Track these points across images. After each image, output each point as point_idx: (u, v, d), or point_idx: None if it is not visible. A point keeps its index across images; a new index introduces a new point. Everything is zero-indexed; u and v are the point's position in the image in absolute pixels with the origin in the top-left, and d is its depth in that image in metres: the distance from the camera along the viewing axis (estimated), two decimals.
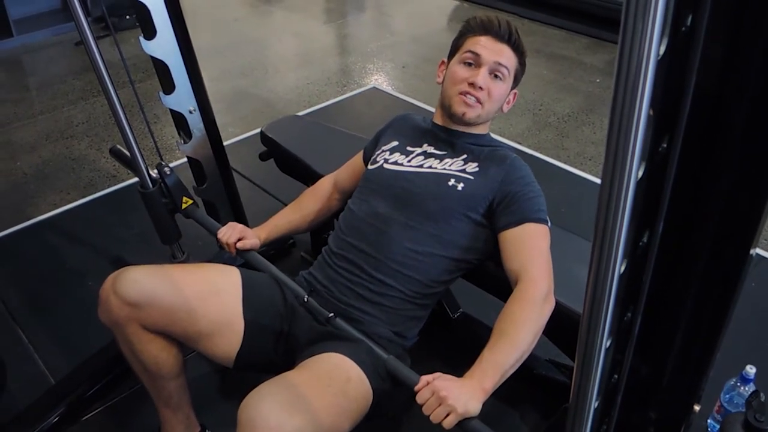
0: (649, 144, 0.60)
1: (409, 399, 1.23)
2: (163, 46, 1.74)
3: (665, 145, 0.62)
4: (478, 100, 1.46)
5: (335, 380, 1.24)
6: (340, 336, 1.39)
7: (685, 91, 0.58)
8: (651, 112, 0.53)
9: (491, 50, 1.45)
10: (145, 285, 1.33)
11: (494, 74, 1.46)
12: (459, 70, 1.48)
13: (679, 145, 0.61)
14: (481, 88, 1.45)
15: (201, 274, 1.45)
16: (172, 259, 2.00)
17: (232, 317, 1.41)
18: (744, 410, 1.27)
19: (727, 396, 1.53)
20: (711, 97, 0.59)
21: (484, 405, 1.17)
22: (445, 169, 1.48)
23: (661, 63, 0.52)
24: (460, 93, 1.47)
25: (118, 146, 2.09)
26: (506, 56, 1.46)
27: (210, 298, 1.40)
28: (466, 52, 1.47)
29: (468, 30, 1.51)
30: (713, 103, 0.59)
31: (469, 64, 1.47)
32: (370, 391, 1.29)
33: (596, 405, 0.79)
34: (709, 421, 1.60)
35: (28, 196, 2.81)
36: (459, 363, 1.23)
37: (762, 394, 1.32)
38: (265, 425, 1.06)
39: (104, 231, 2.53)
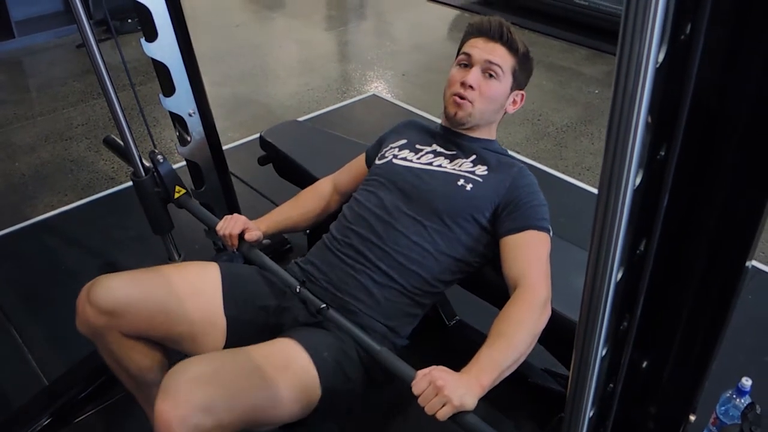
0: (647, 152, 0.60)
1: (393, 394, 1.19)
2: (164, 48, 1.74)
3: (663, 153, 0.62)
4: (468, 99, 1.47)
5: (270, 364, 1.22)
6: (325, 327, 1.37)
7: (684, 100, 0.58)
8: (649, 120, 0.53)
9: (482, 49, 1.46)
10: (119, 292, 1.32)
11: (488, 73, 1.47)
12: (454, 73, 1.50)
13: (677, 154, 0.61)
14: (471, 87, 1.46)
15: (178, 276, 1.42)
16: (169, 261, 1.99)
17: (213, 316, 1.40)
18: (740, 422, 1.27)
19: (723, 408, 1.53)
20: (709, 105, 0.59)
21: (478, 411, 1.16)
22: (455, 169, 1.49)
23: (659, 71, 0.52)
24: (453, 94, 1.49)
25: (112, 136, 2.08)
26: (498, 54, 1.46)
27: (189, 299, 1.38)
28: (461, 54, 1.50)
29: (465, 35, 1.53)
30: (711, 111, 0.59)
31: (464, 66, 1.49)
32: (318, 387, 1.26)
33: (591, 414, 0.79)
34: None
35: (26, 196, 2.81)
36: (454, 370, 1.22)
37: (758, 407, 1.32)
38: (176, 393, 1.08)
39: (101, 233, 2.53)
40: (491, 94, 1.48)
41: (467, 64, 1.48)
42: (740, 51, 0.55)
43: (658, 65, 0.52)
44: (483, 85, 1.47)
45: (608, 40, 4.10)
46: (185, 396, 1.08)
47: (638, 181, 0.60)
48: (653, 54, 0.50)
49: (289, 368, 1.24)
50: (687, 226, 0.67)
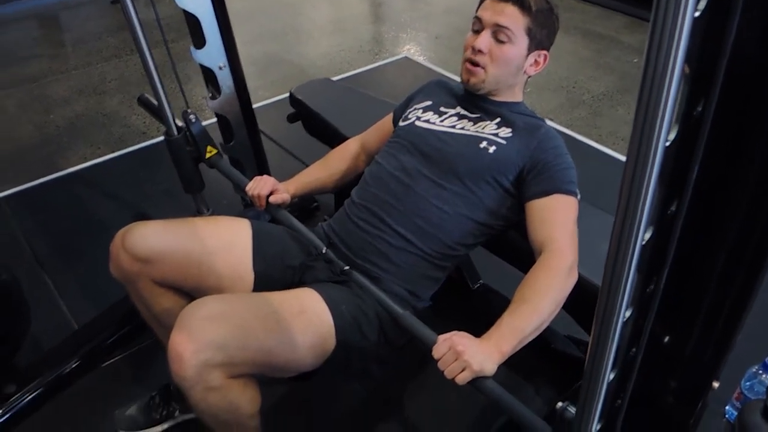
0: (683, 107, 0.58)
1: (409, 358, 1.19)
2: None
3: (700, 109, 0.59)
4: (479, 65, 1.43)
5: (286, 309, 1.23)
6: (348, 287, 1.38)
7: (723, 52, 0.56)
8: (686, 70, 0.51)
9: (491, 11, 1.40)
10: (154, 241, 1.34)
11: (497, 37, 1.41)
12: (468, 38, 1.46)
13: (713, 109, 0.59)
14: (481, 51, 1.41)
15: (211, 229, 1.44)
16: (197, 215, 2.02)
17: (242, 270, 1.41)
18: (764, 398, 1.25)
19: (748, 383, 1.51)
20: (750, 59, 0.56)
21: (498, 376, 1.16)
22: (477, 131, 1.46)
23: (698, 20, 0.50)
24: (465, 60, 1.46)
25: (146, 95, 2.10)
26: (507, 15, 1.39)
27: (220, 252, 1.40)
28: (474, 18, 1.45)
29: None
30: (753, 65, 0.56)
31: (477, 31, 1.44)
32: (332, 337, 1.27)
33: (611, 377, 0.78)
34: (727, 407, 1.58)
35: (60, 148, 2.86)
36: (477, 334, 1.21)
37: None
38: (189, 328, 1.11)
39: (132, 185, 2.58)
40: (503, 58, 1.42)
41: (478, 29, 1.43)
42: None
43: (697, 15, 0.50)
44: (494, 49, 1.41)
45: (649, 7, 3.96)
46: (198, 331, 1.10)
47: (672, 136, 0.58)
48: (692, 2, 0.48)
49: (304, 314, 1.25)
50: (720, 187, 0.65)
